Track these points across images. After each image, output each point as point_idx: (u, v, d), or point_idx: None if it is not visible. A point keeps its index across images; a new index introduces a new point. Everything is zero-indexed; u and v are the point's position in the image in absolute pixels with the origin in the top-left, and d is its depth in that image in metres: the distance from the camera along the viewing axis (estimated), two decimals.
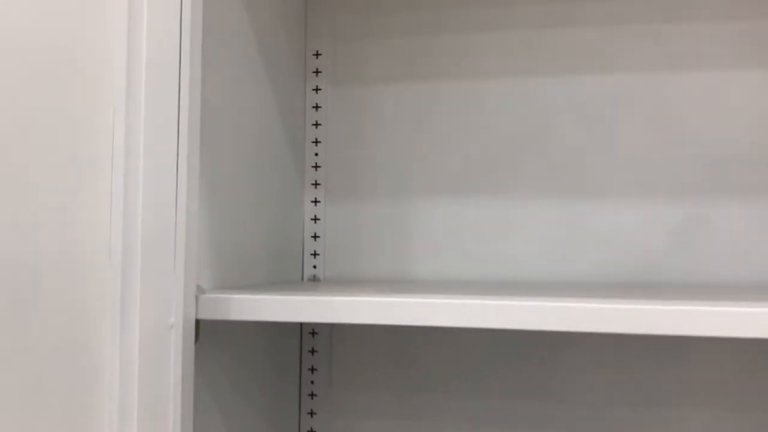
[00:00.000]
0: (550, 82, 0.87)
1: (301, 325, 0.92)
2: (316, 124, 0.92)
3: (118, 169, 0.52)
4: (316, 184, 0.92)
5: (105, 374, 0.52)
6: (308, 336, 0.92)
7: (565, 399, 0.85)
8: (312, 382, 0.91)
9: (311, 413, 0.91)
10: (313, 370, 0.91)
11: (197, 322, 0.61)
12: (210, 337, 0.66)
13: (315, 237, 0.92)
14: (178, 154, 0.55)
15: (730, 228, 0.82)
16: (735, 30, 0.82)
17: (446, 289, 0.71)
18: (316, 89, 0.93)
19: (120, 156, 0.52)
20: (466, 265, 0.89)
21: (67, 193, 0.49)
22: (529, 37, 0.87)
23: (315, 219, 0.92)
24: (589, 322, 0.54)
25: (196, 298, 0.60)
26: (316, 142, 0.92)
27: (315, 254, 0.92)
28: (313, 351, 0.91)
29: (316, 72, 0.93)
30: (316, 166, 0.92)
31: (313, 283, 0.89)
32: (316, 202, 0.92)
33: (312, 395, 0.91)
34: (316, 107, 0.93)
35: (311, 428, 0.91)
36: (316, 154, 0.92)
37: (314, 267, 0.92)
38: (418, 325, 0.58)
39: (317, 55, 0.93)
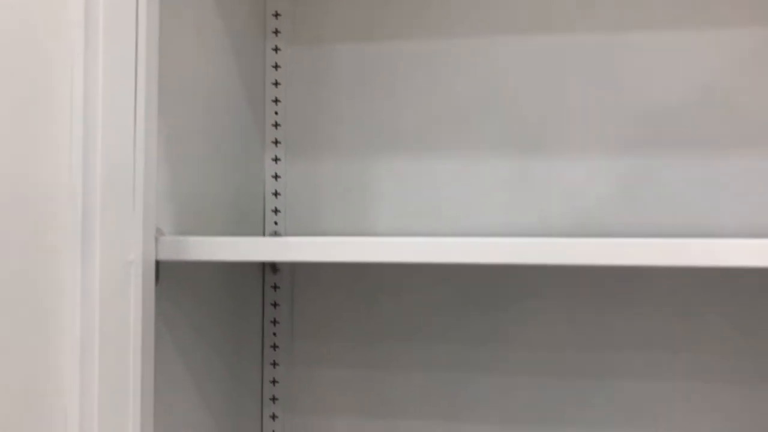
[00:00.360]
0: (503, 41, 0.90)
1: (263, 277, 0.94)
2: (276, 83, 0.94)
3: (77, 112, 0.53)
4: (276, 143, 0.94)
5: (66, 311, 0.53)
6: (270, 289, 0.94)
7: (521, 344, 0.89)
8: (274, 334, 0.94)
9: (274, 364, 0.94)
10: (275, 322, 0.94)
11: (157, 263, 0.63)
12: (170, 280, 0.68)
13: (276, 194, 0.94)
14: (135, 98, 0.57)
15: (673, 179, 0.86)
16: None
17: None
18: (276, 49, 0.94)
19: (79, 98, 0.53)
20: (424, 220, 0.92)
21: (27, 135, 0.51)
22: None
23: (276, 176, 0.94)
24: (535, 254, 0.57)
25: (156, 239, 0.61)
26: (276, 101, 0.94)
27: (276, 211, 0.94)
28: (275, 304, 0.94)
29: (276, 32, 0.94)
30: (276, 125, 0.94)
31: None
32: (276, 159, 0.94)
33: (274, 347, 0.94)
34: (276, 66, 0.94)
35: (274, 378, 0.94)
36: (276, 113, 0.94)
37: (275, 224, 0.94)
38: (371, 262, 0.61)
39: (276, 15, 0.94)
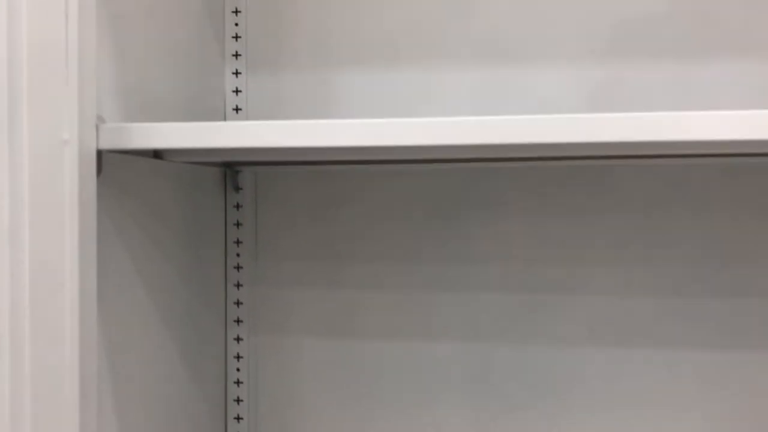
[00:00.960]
0: None
1: (225, 197, 0.90)
2: None
3: None
4: (236, 55, 0.90)
5: None
6: (232, 209, 0.90)
7: (488, 259, 0.86)
8: (238, 255, 0.91)
9: (237, 285, 0.91)
10: (238, 242, 0.90)
11: (100, 154, 0.59)
12: (120, 179, 0.64)
13: (237, 109, 0.90)
14: None
15: (644, 89, 0.83)
16: None
17: None
18: None
19: None
20: None
21: None
22: None
23: (236, 91, 0.90)
24: (505, 133, 0.54)
25: (97, 127, 0.58)
26: (236, 11, 0.90)
27: (237, 110, 0.90)
28: (238, 224, 0.90)
29: None
30: (237, 37, 0.90)
31: None
32: (237, 73, 0.90)
33: (238, 267, 0.91)
34: None
35: (238, 300, 0.91)
36: (236, 24, 0.90)
37: None
38: (326, 146, 0.58)
39: None
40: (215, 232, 0.89)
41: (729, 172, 0.81)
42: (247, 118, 0.90)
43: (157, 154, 0.72)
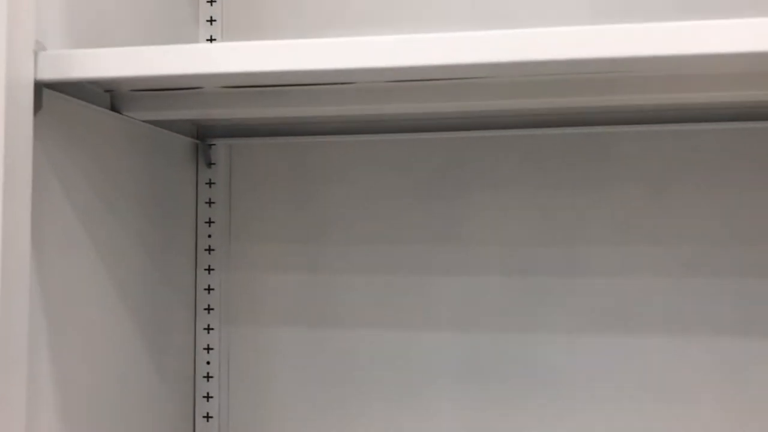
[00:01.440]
0: None
1: (197, 173, 0.83)
2: None
3: None
4: (211, 21, 0.83)
5: None
6: (204, 186, 0.83)
7: (481, 239, 0.79)
8: (209, 236, 0.83)
9: (209, 269, 0.82)
10: (210, 222, 0.83)
11: (38, 86, 0.51)
12: (64, 119, 0.56)
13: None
14: None
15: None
16: None
17: None
18: None
19: None
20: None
21: None
22: None
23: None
24: (505, 49, 0.47)
25: (35, 54, 0.50)
26: None
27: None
28: (210, 202, 0.83)
29: None
30: (212, 1, 0.84)
31: None
32: (211, 40, 0.84)
33: (209, 250, 0.83)
34: None
35: (209, 285, 0.82)
36: None
37: None
38: (309, 71, 0.50)
39: None
40: (184, 211, 0.81)
41: (742, 139, 0.75)
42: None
43: (114, 106, 0.65)
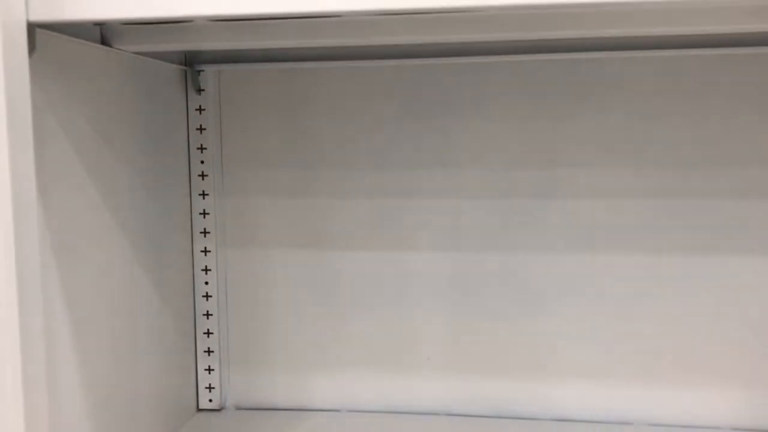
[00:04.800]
0: None
1: (186, 101, 0.83)
2: None
3: None
4: None
5: None
6: (195, 113, 0.83)
7: (467, 163, 0.81)
8: (202, 162, 0.84)
9: (203, 194, 0.84)
10: (201, 148, 0.83)
11: (31, 27, 0.51)
12: (57, 58, 0.56)
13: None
14: None
15: None
16: None
17: None
18: None
19: None
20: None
21: None
22: None
23: None
24: None
25: (26, 3, 0.50)
26: None
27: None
28: (201, 129, 0.83)
29: None
30: None
31: None
32: None
33: (202, 175, 0.84)
34: None
35: (204, 210, 0.84)
36: None
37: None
38: (292, 14, 0.50)
39: None
40: (177, 138, 0.81)
41: (726, 64, 0.76)
42: None
43: (105, 40, 0.64)
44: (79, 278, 0.60)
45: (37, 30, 0.52)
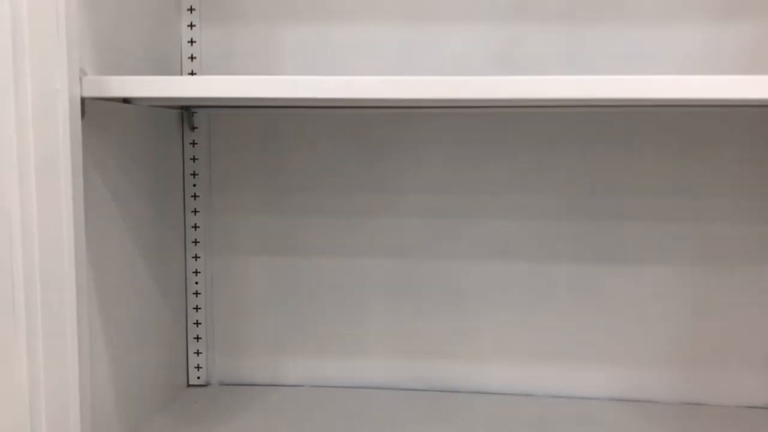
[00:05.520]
0: None
1: (182, 136, 1.02)
2: None
3: None
4: (191, 9, 1.00)
5: (3, 134, 0.61)
6: (189, 146, 1.02)
7: (408, 190, 1.01)
8: (194, 185, 1.03)
9: (194, 211, 1.03)
10: (194, 174, 1.02)
11: (83, 101, 0.70)
12: (96, 117, 0.75)
13: (191, 58, 1.01)
14: None
15: (537, 47, 0.97)
16: None
17: None
18: None
19: None
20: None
21: None
22: None
23: (191, 42, 1.00)
24: (425, 90, 0.67)
25: (81, 78, 0.68)
26: None
27: (192, 73, 1.01)
28: (194, 158, 1.02)
29: None
30: None
31: None
32: (191, 26, 1.00)
33: (194, 196, 1.03)
34: None
35: (195, 224, 1.03)
36: None
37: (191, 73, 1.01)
38: (275, 98, 0.70)
39: None
40: (175, 166, 1.00)
41: (602, 120, 0.97)
42: (201, 67, 1.00)
43: (126, 99, 0.83)
44: (106, 277, 0.79)
45: (87, 101, 0.71)
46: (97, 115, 0.75)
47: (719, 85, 0.64)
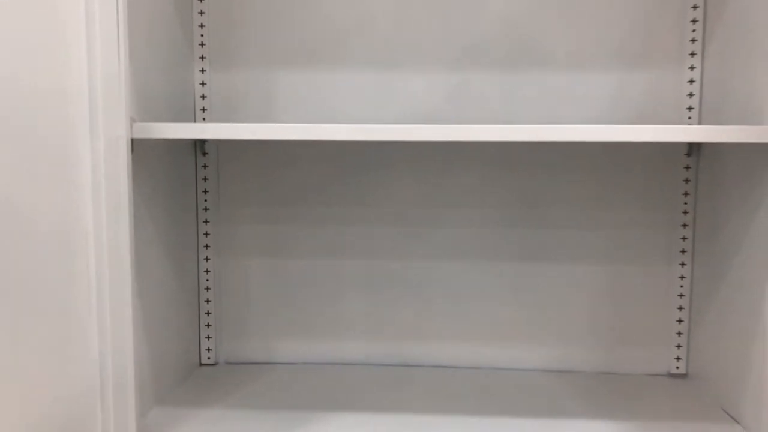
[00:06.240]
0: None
1: (196, 159, 1.24)
2: (201, 12, 1.21)
3: (80, 38, 0.81)
4: (203, 58, 1.22)
5: (82, 168, 0.83)
6: (201, 168, 1.24)
7: (380, 203, 1.25)
8: (205, 200, 1.25)
9: (206, 221, 1.25)
10: (205, 191, 1.25)
11: (132, 141, 0.92)
12: (139, 152, 0.97)
13: (203, 97, 1.23)
14: (118, 39, 0.84)
15: (483, 90, 1.21)
16: None
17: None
18: None
19: (83, 35, 0.81)
20: (313, 114, 1.23)
21: (57, 62, 0.79)
22: None
23: (202, 83, 1.23)
24: (388, 133, 0.91)
25: (131, 124, 0.91)
26: (201, 25, 1.22)
27: (203, 109, 1.23)
28: (205, 178, 1.25)
29: None
30: (202, 44, 1.22)
31: None
32: (203, 71, 1.22)
33: (205, 209, 1.25)
34: (201, 13, 1.21)
35: (206, 231, 1.26)
36: (202, 35, 1.22)
37: (203, 119, 1.24)
38: (275, 140, 0.93)
39: None
40: (190, 185, 1.23)
41: (530, 148, 1.22)
42: (210, 103, 1.23)
43: None
44: (142, 276, 1.02)
45: (135, 141, 0.94)
46: (139, 149, 0.98)
47: (600, 132, 0.88)
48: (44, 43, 0.77)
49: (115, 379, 0.87)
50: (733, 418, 1.05)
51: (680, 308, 1.22)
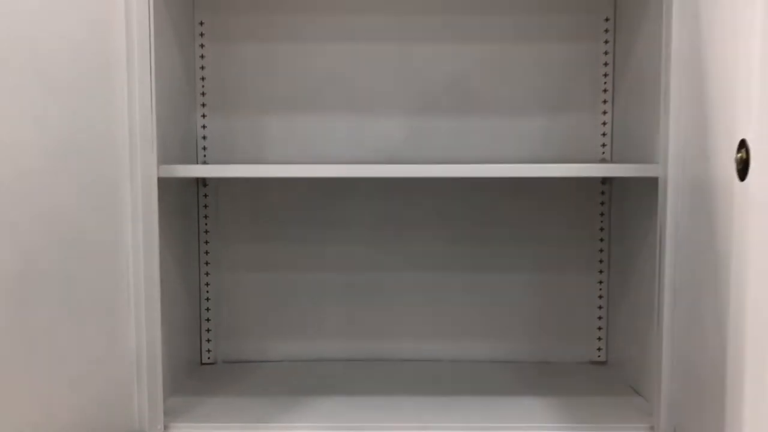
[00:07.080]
0: (349, 48, 1.45)
1: (197, 191, 1.47)
2: (202, 67, 1.45)
3: (124, 92, 1.04)
4: (204, 105, 1.45)
5: (125, 204, 1.05)
6: (202, 197, 1.47)
7: (354, 226, 1.49)
8: (206, 224, 1.48)
9: (206, 242, 1.48)
10: (206, 217, 1.47)
11: (159, 180, 1.15)
12: (160, 187, 1.20)
13: (204, 137, 1.46)
14: (152, 93, 1.08)
15: (442, 133, 1.47)
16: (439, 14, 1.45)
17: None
18: (202, 47, 1.44)
19: (125, 90, 1.04)
20: (300, 152, 1.47)
21: (106, 111, 1.01)
22: None
23: (204, 126, 1.46)
24: (365, 171, 1.15)
25: (158, 166, 1.14)
26: (203, 78, 1.45)
27: (204, 148, 1.46)
28: (205, 206, 1.47)
29: (201, 45, 1.44)
30: (203, 93, 1.45)
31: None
32: (204, 116, 1.46)
33: (206, 231, 1.48)
34: (202, 68, 1.45)
35: (206, 251, 1.48)
36: (203, 86, 1.45)
37: (204, 159, 1.46)
38: (264, 178, 1.16)
39: (202, 23, 1.44)
40: (193, 211, 1.45)
41: (475, 180, 1.48)
42: (210, 142, 1.46)
43: None
44: (163, 288, 1.24)
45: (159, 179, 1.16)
46: (160, 185, 1.20)
47: (526, 170, 1.14)
48: (102, 94, 1.00)
49: (148, 365, 1.09)
50: (637, 392, 1.31)
51: (600, 307, 1.49)
